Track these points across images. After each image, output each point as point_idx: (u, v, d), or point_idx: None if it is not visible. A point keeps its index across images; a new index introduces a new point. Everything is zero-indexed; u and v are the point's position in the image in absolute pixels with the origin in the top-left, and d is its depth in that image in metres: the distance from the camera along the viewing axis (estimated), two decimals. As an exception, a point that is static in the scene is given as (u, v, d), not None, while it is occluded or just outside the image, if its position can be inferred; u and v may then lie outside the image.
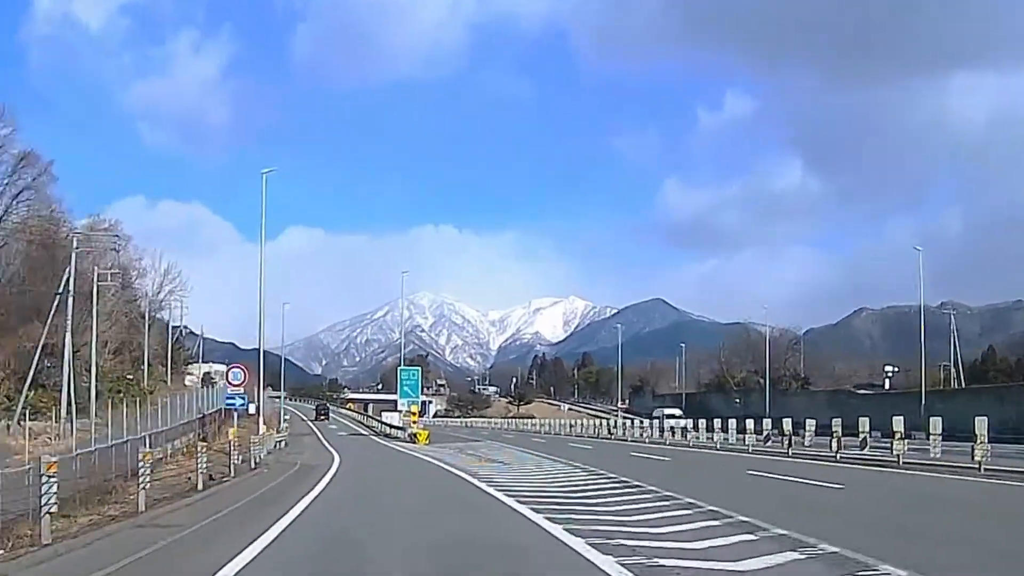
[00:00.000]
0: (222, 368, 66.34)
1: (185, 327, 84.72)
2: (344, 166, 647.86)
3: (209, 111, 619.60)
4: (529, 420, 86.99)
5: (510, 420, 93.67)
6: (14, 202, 48.76)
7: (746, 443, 31.42)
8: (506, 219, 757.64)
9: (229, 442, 22.74)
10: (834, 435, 25.46)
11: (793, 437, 28.35)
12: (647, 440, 41.58)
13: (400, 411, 57.83)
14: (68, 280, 37.15)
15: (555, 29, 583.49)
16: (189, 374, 78.86)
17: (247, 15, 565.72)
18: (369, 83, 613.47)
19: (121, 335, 55.17)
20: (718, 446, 33.53)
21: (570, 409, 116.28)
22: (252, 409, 37.39)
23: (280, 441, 41.51)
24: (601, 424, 56.15)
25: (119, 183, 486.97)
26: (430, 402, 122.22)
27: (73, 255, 37.92)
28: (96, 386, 42.58)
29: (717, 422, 35.36)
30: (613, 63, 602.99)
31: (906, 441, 23.04)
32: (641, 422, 47.32)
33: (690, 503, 13.18)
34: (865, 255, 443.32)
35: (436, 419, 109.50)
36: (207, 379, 77.07)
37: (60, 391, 37.81)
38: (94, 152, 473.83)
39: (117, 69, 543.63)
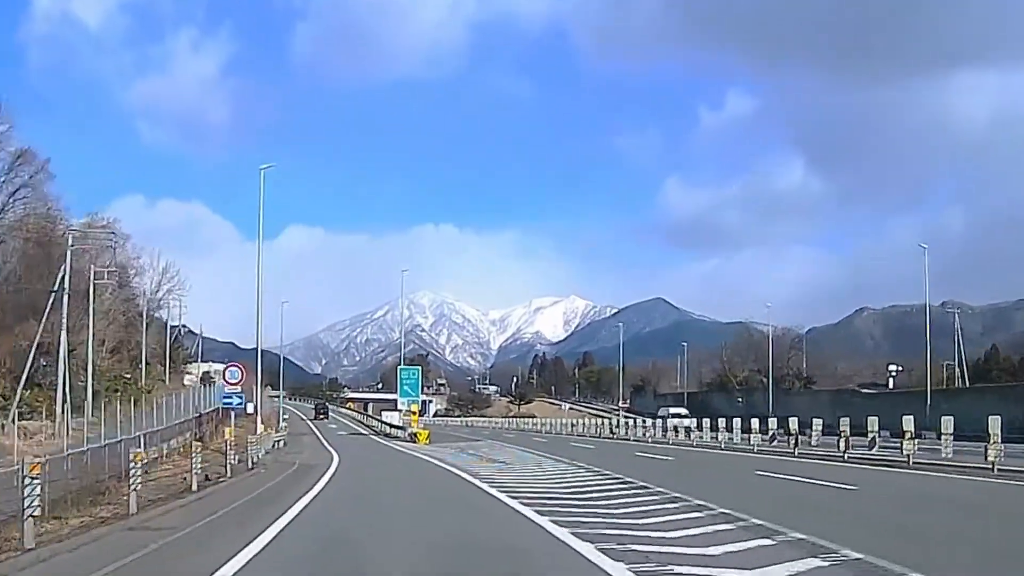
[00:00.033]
0: (221, 367, 65.85)
1: (184, 326, 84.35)
2: (344, 165, 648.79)
3: (209, 110, 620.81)
4: (530, 420, 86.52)
5: (511, 420, 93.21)
6: (11, 200, 48.33)
7: (751, 443, 30.99)
8: (506, 218, 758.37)
9: (226, 442, 22.27)
10: (842, 435, 25.02)
11: (799, 437, 27.94)
12: (650, 440, 41.14)
13: (400, 410, 57.41)
14: (63, 278, 36.67)
15: (555, 29, 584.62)
16: (188, 373, 78.38)
17: (247, 14, 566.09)
18: (369, 82, 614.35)
19: (118, 334, 54.72)
20: (722, 446, 33.09)
21: (571, 409, 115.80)
22: (250, 408, 37.01)
23: (279, 440, 41.07)
24: (603, 424, 55.70)
25: (118, 182, 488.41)
26: (430, 401, 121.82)
27: (68, 252, 37.47)
28: (93, 385, 42.16)
29: (721, 422, 34.91)
30: (613, 63, 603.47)
31: (916, 441, 22.58)
32: (644, 422, 46.84)
33: (700, 505, 12.74)
34: (866, 255, 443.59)
35: (436, 418, 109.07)
36: (206, 378, 76.55)
37: (56, 390, 37.36)
38: (93, 151, 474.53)
39: (116, 67, 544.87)
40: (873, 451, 24.71)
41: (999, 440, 19.35)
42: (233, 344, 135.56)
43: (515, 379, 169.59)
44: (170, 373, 68.55)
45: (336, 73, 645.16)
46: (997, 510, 13.22)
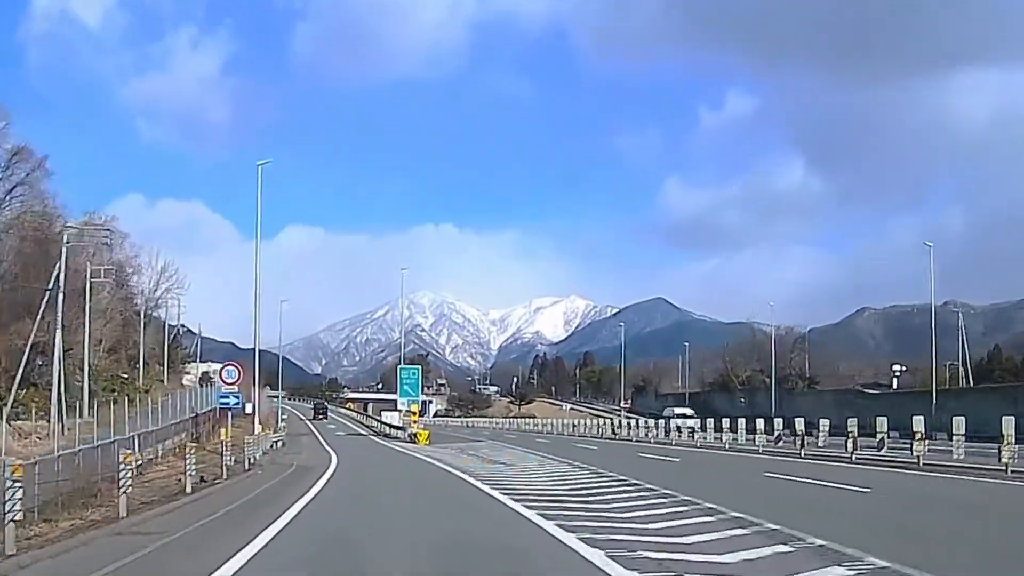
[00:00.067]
0: (219, 367, 65.42)
1: (183, 326, 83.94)
2: (344, 165, 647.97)
3: (209, 109, 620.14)
4: (531, 420, 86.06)
5: (511, 420, 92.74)
6: (7, 197, 47.91)
7: (756, 444, 30.49)
8: (506, 218, 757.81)
9: (221, 443, 21.82)
10: (849, 435, 24.51)
11: (806, 437, 27.47)
12: (652, 440, 40.68)
13: (400, 411, 56.99)
14: (58, 276, 36.21)
15: (555, 29, 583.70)
16: (187, 374, 77.92)
17: (247, 13, 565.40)
18: (369, 82, 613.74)
19: (116, 333, 54.30)
20: (727, 447, 32.61)
21: (572, 409, 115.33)
22: (249, 409, 36.56)
23: (277, 441, 40.68)
24: (604, 424, 55.22)
25: (118, 181, 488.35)
26: (430, 402, 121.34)
27: (63, 250, 36.98)
28: (90, 385, 41.70)
29: (726, 422, 34.44)
30: (613, 63, 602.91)
31: (926, 442, 22.10)
32: (646, 422, 46.36)
33: (711, 508, 12.27)
34: (866, 255, 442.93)
35: (436, 419, 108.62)
36: (205, 379, 76.11)
37: (51, 390, 36.93)
38: (93, 151, 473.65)
39: (116, 66, 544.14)
40: (882, 452, 24.20)
41: (1012, 441, 18.89)
42: (233, 344, 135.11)
43: (515, 379, 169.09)
44: (169, 373, 68.10)
45: (336, 73, 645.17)
46: (1020, 515, 12.78)
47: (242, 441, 26.56)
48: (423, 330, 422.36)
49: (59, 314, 36.18)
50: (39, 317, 37.35)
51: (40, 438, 33.42)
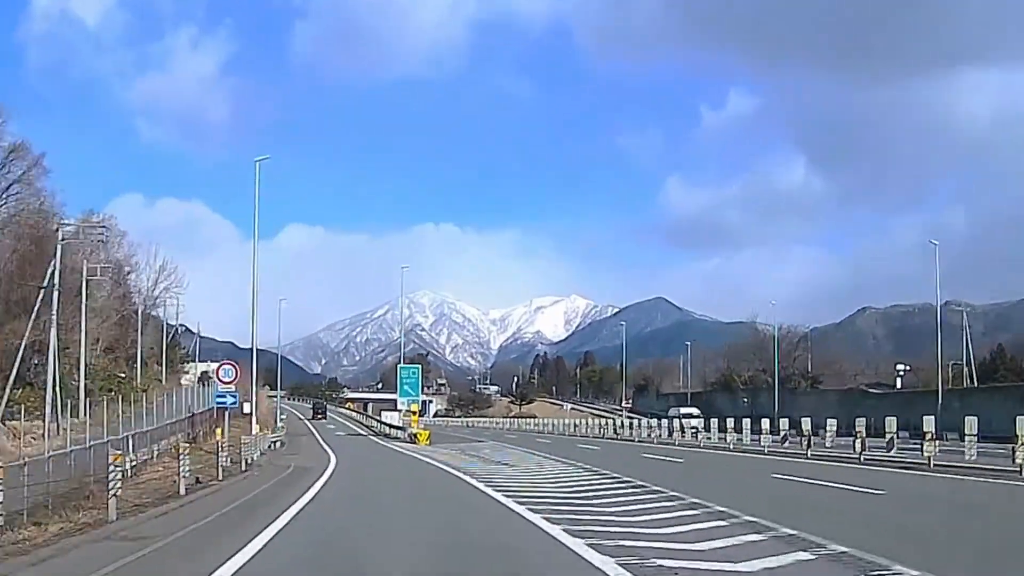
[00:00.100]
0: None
1: (182, 325, 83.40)
2: (344, 165, 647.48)
3: (208, 108, 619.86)
4: (531, 420, 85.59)
5: (512, 420, 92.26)
6: (4, 195, 47.38)
7: (762, 444, 30.03)
8: (507, 218, 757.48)
9: (217, 443, 21.35)
10: (857, 435, 24.11)
11: (812, 438, 27.03)
12: (655, 440, 40.22)
13: (400, 410, 56.55)
14: (53, 273, 35.73)
15: (556, 28, 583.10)
16: (185, 373, 77.39)
17: (247, 12, 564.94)
18: (369, 81, 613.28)
19: (113, 332, 53.79)
20: (731, 447, 32.15)
21: (573, 409, 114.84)
22: (247, 409, 36.14)
23: (275, 441, 40.25)
24: (606, 424, 54.76)
25: (118, 181, 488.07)
26: (430, 401, 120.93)
27: (58, 247, 36.49)
28: (86, 384, 41.22)
29: (730, 422, 34.00)
30: (614, 62, 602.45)
31: (937, 442, 21.64)
32: (649, 422, 45.90)
33: (722, 512, 11.79)
34: (867, 254, 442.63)
35: (436, 419, 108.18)
36: (205, 378, 75.61)
37: (46, 389, 36.46)
38: (93, 150, 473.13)
39: (115, 66, 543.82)
40: (891, 452, 23.74)
41: (1026, 442, 18.40)
42: (232, 344, 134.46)
43: (516, 379, 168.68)
44: (167, 373, 67.57)
45: (336, 72, 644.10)
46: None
47: (239, 441, 26.10)
48: (423, 330, 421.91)
49: (54, 312, 35.71)
50: (34, 315, 36.87)
51: (35, 438, 32.98)
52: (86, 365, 41.83)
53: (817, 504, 13.94)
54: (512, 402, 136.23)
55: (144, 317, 62.29)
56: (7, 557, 9.50)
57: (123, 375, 53.11)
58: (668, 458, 27.13)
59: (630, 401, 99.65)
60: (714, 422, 36.69)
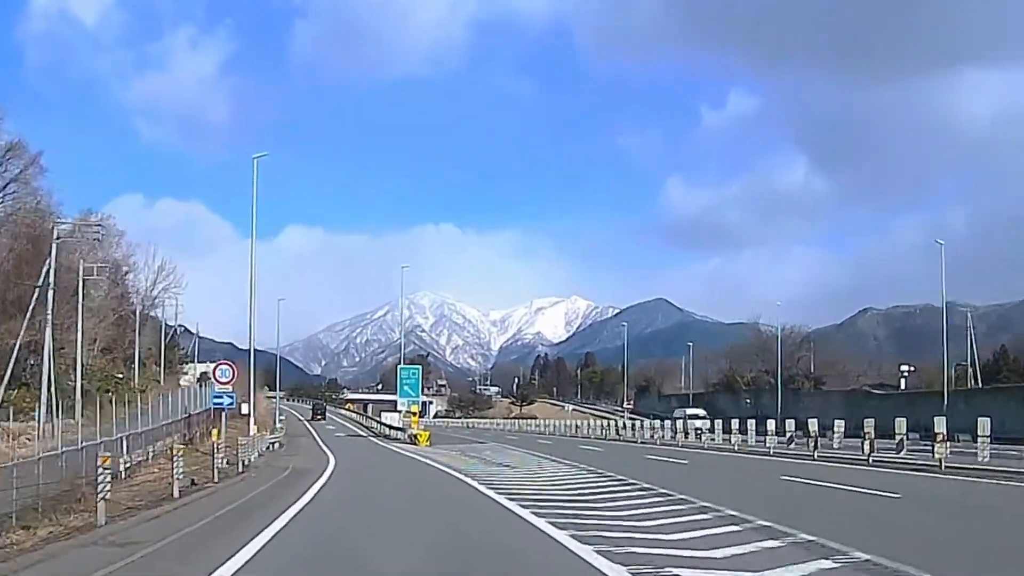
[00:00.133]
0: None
1: (181, 326, 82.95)
2: (344, 164, 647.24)
3: (208, 108, 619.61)
4: (532, 421, 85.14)
5: (513, 421, 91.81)
6: (0, 195, 47.04)
7: (767, 445, 29.56)
8: (507, 218, 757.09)
9: (212, 444, 20.90)
10: (866, 437, 23.60)
11: (819, 439, 26.55)
12: (658, 442, 39.77)
13: (400, 411, 56.11)
14: (48, 272, 35.27)
15: (556, 28, 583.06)
16: (184, 374, 76.92)
17: (246, 12, 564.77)
18: (369, 81, 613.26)
19: (110, 333, 53.35)
20: (735, 448, 31.71)
21: (574, 410, 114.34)
22: (245, 410, 35.71)
23: (274, 443, 39.79)
24: (608, 425, 54.32)
25: (117, 181, 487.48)
26: (431, 402, 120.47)
27: (54, 245, 36.04)
28: (83, 385, 40.78)
29: (735, 423, 33.57)
30: (614, 62, 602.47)
31: (948, 444, 21.20)
32: (651, 423, 45.47)
33: (734, 516, 11.34)
34: (868, 255, 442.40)
35: (437, 420, 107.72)
36: (204, 379, 75.15)
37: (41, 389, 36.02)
38: (92, 150, 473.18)
39: (114, 65, 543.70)
40: (901, 454, 23.29)
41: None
42: (232, 345, 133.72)
43: (516, 380, 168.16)
44: (166, 374, 67.13)
45: (336, 72, 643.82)
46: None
47: (236, 443, 25.65)
48: (423, 331, 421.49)
49: (49, 312, 35.26)
50: (28, 315, 36.42)
51: (29, 439, 32.46)
52: (83, 366, 41.42)
53: (832, 508, 13.47)
54: (513, 403, 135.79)
55: (142, 317, 61.86)
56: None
57: (121, 376, 52.69)
58: (673, 460, 26.67)
59: (631, 402, 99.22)
60: (718, 423, 36.26)
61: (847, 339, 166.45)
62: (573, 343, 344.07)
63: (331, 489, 18.60)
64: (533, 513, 12.18)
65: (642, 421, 49.70)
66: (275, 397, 75.46)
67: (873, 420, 24.42)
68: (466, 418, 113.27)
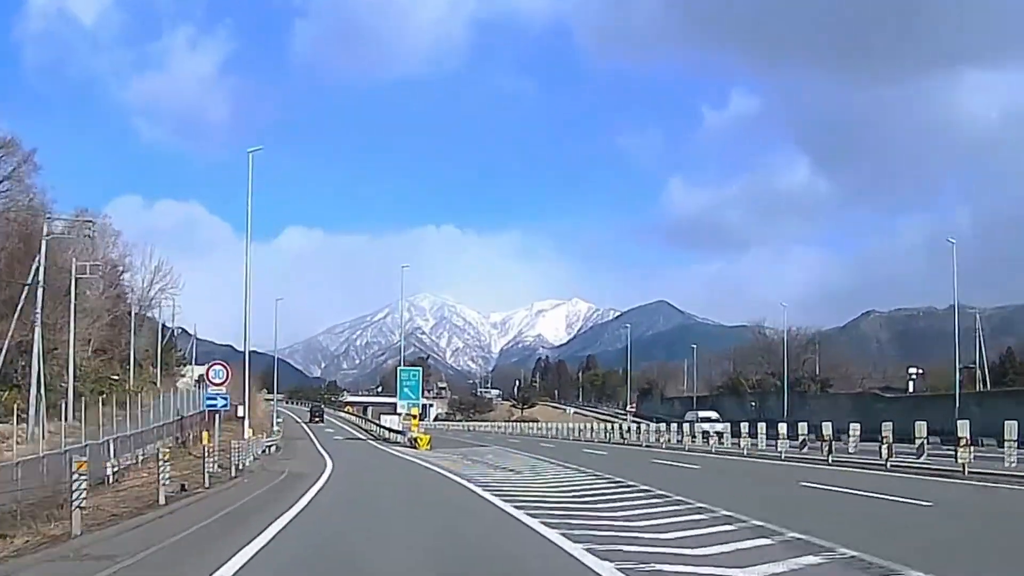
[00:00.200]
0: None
1: (179, 328, 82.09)
2: (344, 164, 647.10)
3: (208, 108, 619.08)
4: (533, 424, 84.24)
5: (514, 424, 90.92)
6: (-7, 192, 46.26)
7: (778, 449, 28.65)
8: (507, 219, 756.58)
9: (203, 447, 20.02)
10: (884, 441, 22.71)
11: (834, 443, 25.65)
12: (664, 445, 38.85)
13: (400, 414, 55.28)
14: (38, 270, 34.41)
15: (556, 27, 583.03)
16: (182, 376, 76.07)
17: (246, 11, 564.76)
18: (369, 81, 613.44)
19: (105, 333, 52.49)
20: (745, 452, 30.78)
21: (576, 413, 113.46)
22: (241, 412, 34.88)
23: (270, 446, 38.90)
24: (612, 428, 53.42)
25: (116, 182, 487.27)
26: (431, 405, 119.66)
27: (43, 242, 35.18)
28: (76, 386, 39.90)
29: (744, 426, 32.67)
30: (614, 62, 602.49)
31: (972, 448, 20.31)
32: (657, 427, 44.55)
33: (760, 527, 10.46)
34: (870, 255, 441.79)
35: (437, 423, 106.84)
36: (202, 381, 74.29)
37: (31, 391, 35.14)
38: (91, 150, 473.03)
39: (113, 65, 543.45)
40: (921, 459, 22.39)
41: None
42: (232, 347, 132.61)
43: (517, 383, 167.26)
44: (164, 376, 66.28)
45: (336, 72, 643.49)
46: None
47: (230, 446, 24.76)
48: (423, 333, 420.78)
49: (39, 311, 34.38)
50: (17, 314, 35.54)
51: (20, 442, 31.63)
52: (76, 367, 40.54)
53: (864, 518, 12.50)
54: (514, 406, 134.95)
55: (139, 319, 61.02)
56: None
57: (116, 377, 51.81)
58: (683, 464, 25.77)
59: (634, 405, 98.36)
60: (726, 427, 35.38)
61: (850, 341, 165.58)
62: (574, 346, 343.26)
63: (328, 493, 17.81)
64: (543, 523, 11.29)
65: (647, 424, 48.83)
66: (273, 399, 74.55)
67: (891, 424, 23.57)
68: (467, 421, 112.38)
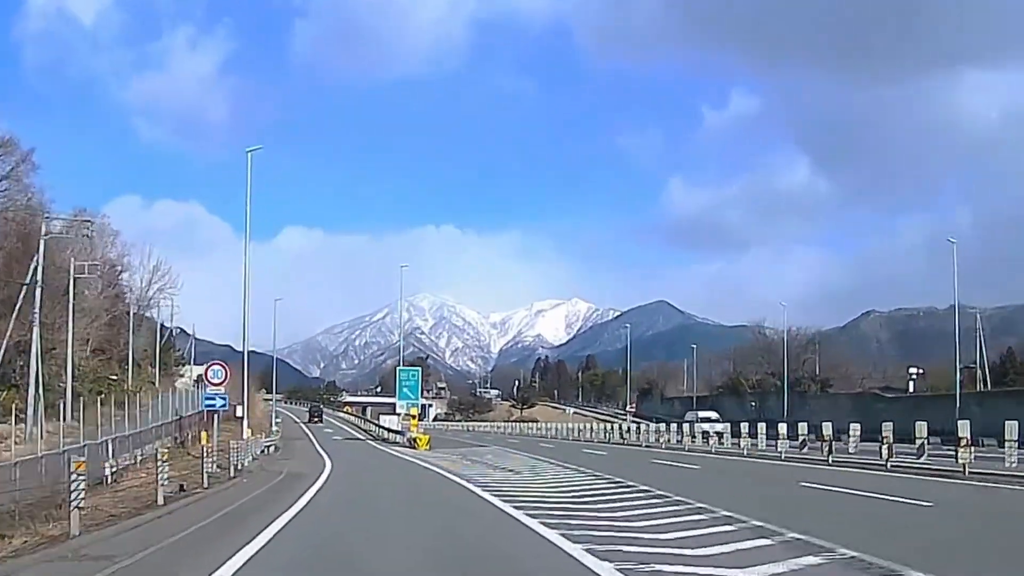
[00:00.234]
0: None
1: (178, 328, 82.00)
2: (344, 164, 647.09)
3: (207, 108, 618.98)
4: (533, 424, 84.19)
5: (513, 424, 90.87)
6: (-8, 192, 46.18)
7: (778, 449, 28.62)
8: (507, 219, 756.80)
9: (202, 448, 19.98)
10: (884, 441, 22.68)
11: (834, 443, 25.62)
12: (663, 446, 38.83)
13: (399, 414, 55.23)
14: (36, 269, 34.36)
15: (556, 27, 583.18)
16: (181, 376, 76.00)
17: (246, 11, 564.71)
18: (369, 81, 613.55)
19: (103, 333, 52.43)
20: (744, 452, 30.75)
21: (575, 413, 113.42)
22: (239, 412, 34.81)
23: (269, 446, 38.85)
24: (612, 428, 53.38)
25: (116, 182, 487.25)
26: (430, 405, 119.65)
27: (42, 241, 35.14)
28: (74, 386, 39.85)
29: (744, 426, 32.65)
30: (614, 62, 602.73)
31: (972, 448, 20.27)
32: (657, 427, 44.52)
33: (760, 527, 10.43)
34: (870, 255, 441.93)
35: (436, 423, 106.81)
36: (201, 381, 74.20)
37: (29, 390, 35.08)
38: (91, 150, 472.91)
39: (113, 65, 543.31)
40: (922, 459, 22.36)
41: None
42: (231, 347, 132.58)
43: (517, 383, 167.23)
44: (163, 376, 66.22)
45: (336, 72, 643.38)
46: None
47: (229, 446, 24.71)
48: (423, 333, 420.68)
49: (37, 310, 34.34)
50: (15, 314, 35.49)
51: (18, 442, 31.57)
52: (74, 367, 40.48)
53: (864, 518, 12.46)
54: (513, 406, 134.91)
55: (138, 319, 60.95)
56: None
57: (114, 377, 51.75)
58: (683, 464, 25.75)
59: (634, 405, 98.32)
60: (726, 427, 35.36)
61: (850, 341, 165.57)
62: (574, 346, 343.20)
63: (326, 493, 17.78)
64: (543, 524, 11.25)
65: (647, 424, 48.80)
66: (272, 399, 74.49)
67: (892, 424, 23.54)
68: (466, 421, 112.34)
